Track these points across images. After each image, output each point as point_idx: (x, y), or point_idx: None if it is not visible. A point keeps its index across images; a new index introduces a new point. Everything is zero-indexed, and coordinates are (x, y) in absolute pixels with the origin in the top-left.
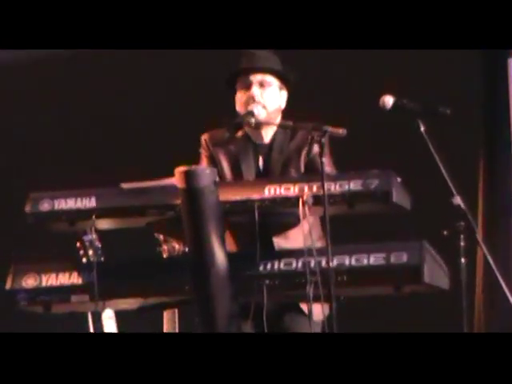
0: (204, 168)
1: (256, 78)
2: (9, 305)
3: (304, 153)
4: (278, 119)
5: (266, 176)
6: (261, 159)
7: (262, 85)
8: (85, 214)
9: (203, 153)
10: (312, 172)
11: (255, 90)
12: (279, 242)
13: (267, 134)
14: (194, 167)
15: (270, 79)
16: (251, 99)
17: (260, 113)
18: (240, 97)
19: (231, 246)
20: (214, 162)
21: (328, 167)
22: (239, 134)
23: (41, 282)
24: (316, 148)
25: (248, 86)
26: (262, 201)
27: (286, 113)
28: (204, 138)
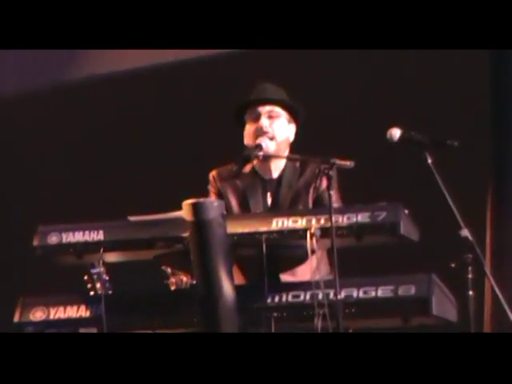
0: (212, 200)
1: (265, 109)
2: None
3: (312, 188)
4: (286, 153)
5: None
6: (269, 195)
7: (270, 116)
8: (93, 247)
9: (211, 189)
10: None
11: (264, 120)
12: (286, 279)
13: (276, 169)
14: (201, 199)
15: (279, 111)
16: (260, 130)
17: (268, 145)
18: (248, 129)
19: (239, 278)
20: (221, 198)
21: (335, 203)
22: (247, 168)
23: (49, 314)
24: (324, 183)
25: (257, 118)
26: (270, 233)
27: (295, 149)
28: (212, 174)
